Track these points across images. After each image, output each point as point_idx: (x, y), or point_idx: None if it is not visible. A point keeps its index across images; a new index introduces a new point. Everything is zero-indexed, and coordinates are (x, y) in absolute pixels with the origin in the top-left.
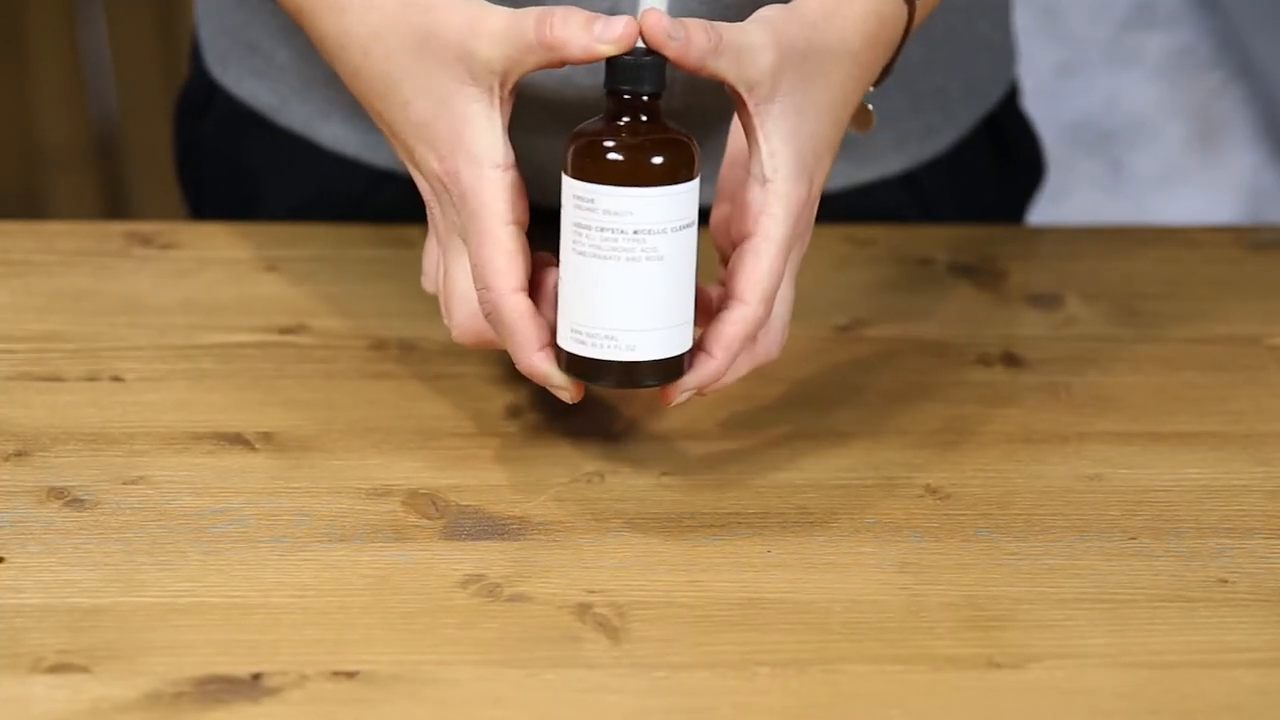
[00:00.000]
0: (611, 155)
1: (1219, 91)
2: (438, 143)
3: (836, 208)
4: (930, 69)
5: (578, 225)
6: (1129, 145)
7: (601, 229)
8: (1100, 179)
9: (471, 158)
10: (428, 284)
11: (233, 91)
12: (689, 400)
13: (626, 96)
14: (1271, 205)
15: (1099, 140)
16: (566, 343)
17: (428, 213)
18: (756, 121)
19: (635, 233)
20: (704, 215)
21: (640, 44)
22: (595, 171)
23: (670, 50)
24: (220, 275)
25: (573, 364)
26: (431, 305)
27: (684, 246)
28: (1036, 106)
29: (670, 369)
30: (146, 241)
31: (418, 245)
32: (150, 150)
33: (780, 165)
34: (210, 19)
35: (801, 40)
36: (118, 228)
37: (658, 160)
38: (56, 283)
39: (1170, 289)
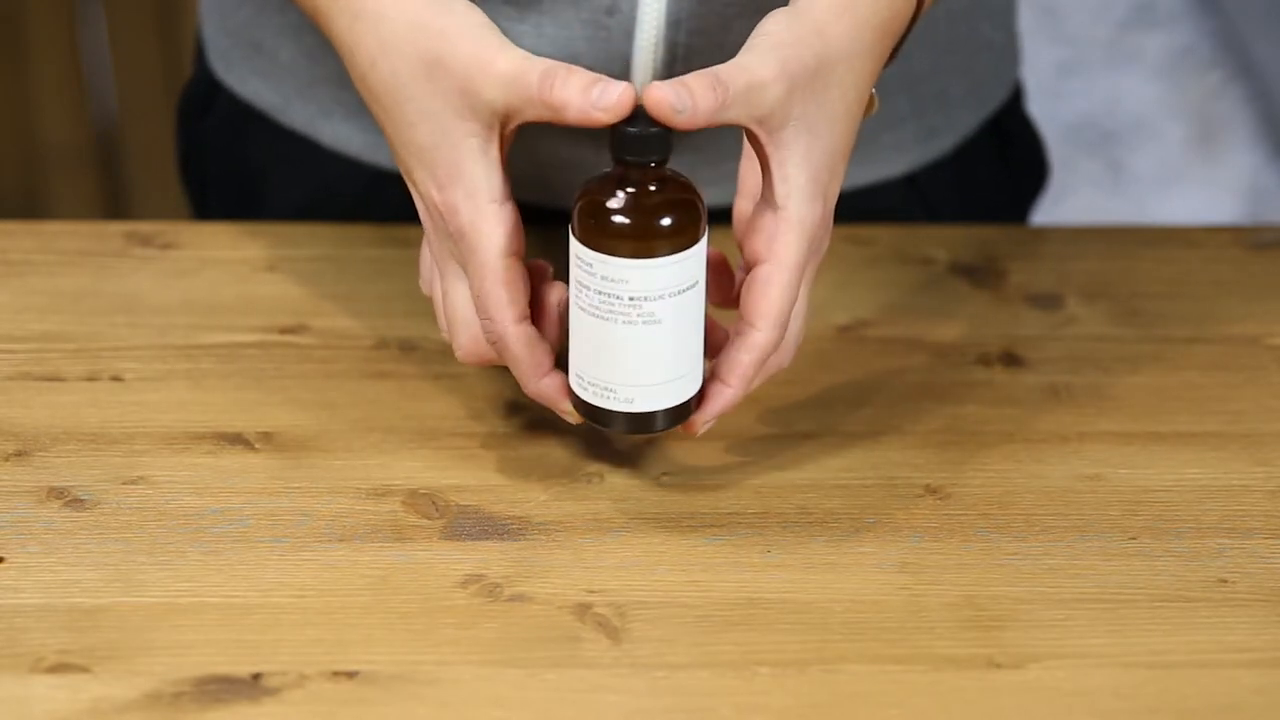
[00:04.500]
0: (614, 223)
1: (1219, 91)
2: (437, 170)
3: (838, 208)
4: (933, 72)
5: (578, 283)
6: (1129, 145)
7: (599, 292)
8: (1100, 179)
9: (469, 191)
10: (425, 286)
11: (236, 91)
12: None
13: (632, 163)
14: (1271, 205)
15: (1099, 140)
16: (575, 385)
17: (423, 220)
18: (769, 150)
19: (631, 299)
20: (725, 215)
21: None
22: (596, 238)
23: (678, 123)
24: (220, 275)
25: (579, 405)
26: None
27: (686, 306)
28: (1037, 106)
29: (677, 414)
30: (146, 241)
31: (419, 246)
32: (150, 150)
33: (793, 191)
34: (214, 18)
35: (810, 57)
36: (118, 228)
37: (659, 230)
38: (56, 283)
39: (1170, 289)
